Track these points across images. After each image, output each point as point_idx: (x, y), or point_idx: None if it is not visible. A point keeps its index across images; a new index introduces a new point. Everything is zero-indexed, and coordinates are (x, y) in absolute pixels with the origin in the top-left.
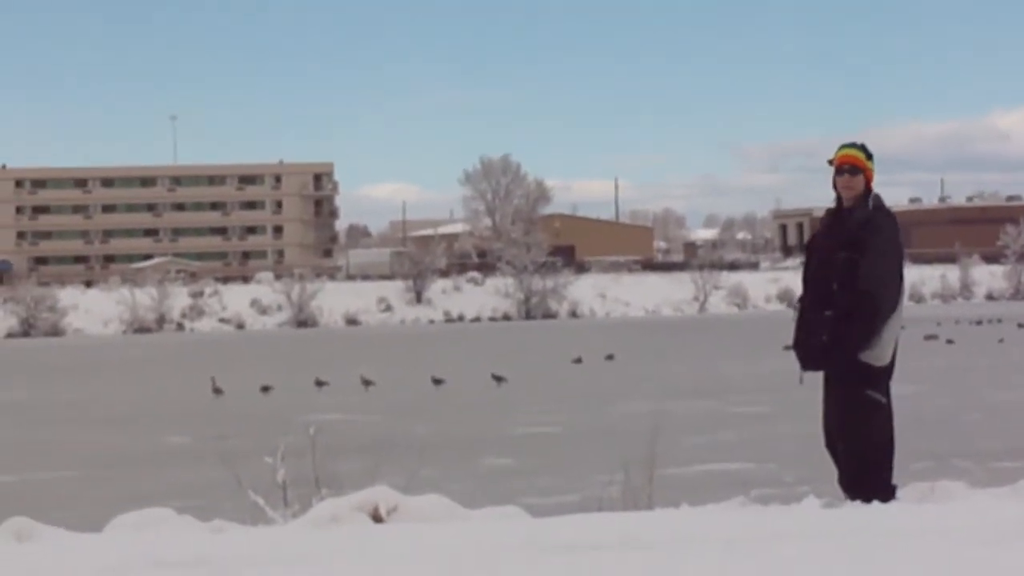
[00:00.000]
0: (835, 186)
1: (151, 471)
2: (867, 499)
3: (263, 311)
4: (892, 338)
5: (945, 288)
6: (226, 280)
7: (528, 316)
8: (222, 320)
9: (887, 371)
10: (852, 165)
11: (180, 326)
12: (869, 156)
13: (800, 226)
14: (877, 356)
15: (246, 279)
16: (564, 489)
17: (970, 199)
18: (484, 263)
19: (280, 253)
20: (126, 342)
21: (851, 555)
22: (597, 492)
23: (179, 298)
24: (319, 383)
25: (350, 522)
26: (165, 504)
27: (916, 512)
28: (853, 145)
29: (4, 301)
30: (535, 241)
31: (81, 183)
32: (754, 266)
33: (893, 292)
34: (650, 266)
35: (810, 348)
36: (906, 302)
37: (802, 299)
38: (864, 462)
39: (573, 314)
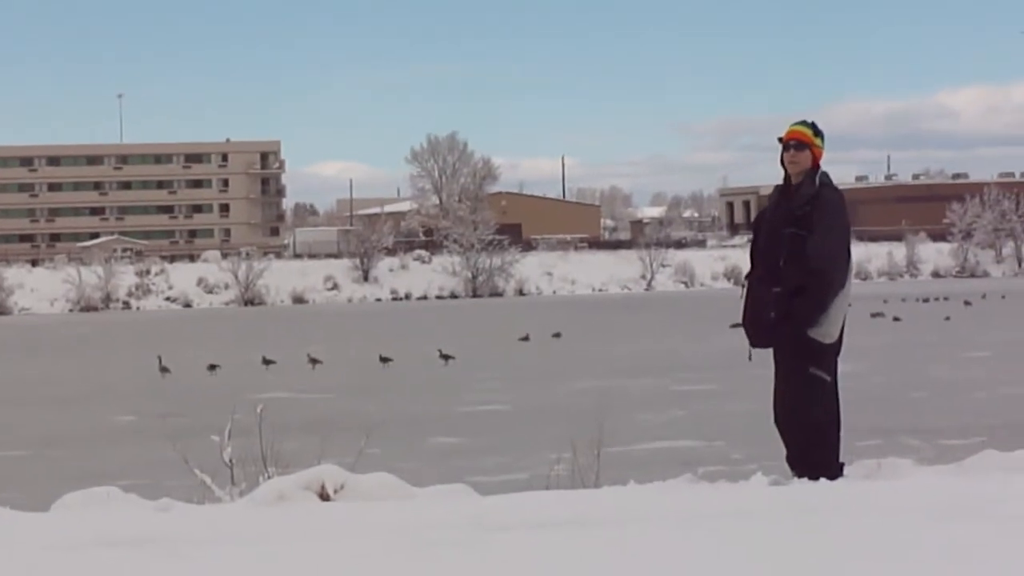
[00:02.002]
0: (782, 162)
1: (97, 450)
2: (814, 476)
3: (210, 290)
4: (840, 315)
5: (891, 266)
6: (172, 259)
7: (475, 294)
8: (168, 299)
9: (834, 348)
10: (798, 141)
11: (127, 305)
12: (817, 133)
13: (747, 204)
14: (825, 333)
15: (192, 258)
16: (512, 467)
17: (916, 177)
18: (431, 241)
19: (227, 232)
20: (72, 321)
21: (798, 532)
22: (545, 470)
23: (125, 277)
24: (266, 361)
25: (297, 500)
26: (112, 483)
27: (863, 489)
28: (803, 122)
29: None
30: (482, 219)
31: (27, 161)
32: (701, 244)
33: (841, 268)
34: (597, 244)
35: (759, 324)
36: (853, 279)
37: (749, 275)
38: (809, 440)
39: (520, 292)
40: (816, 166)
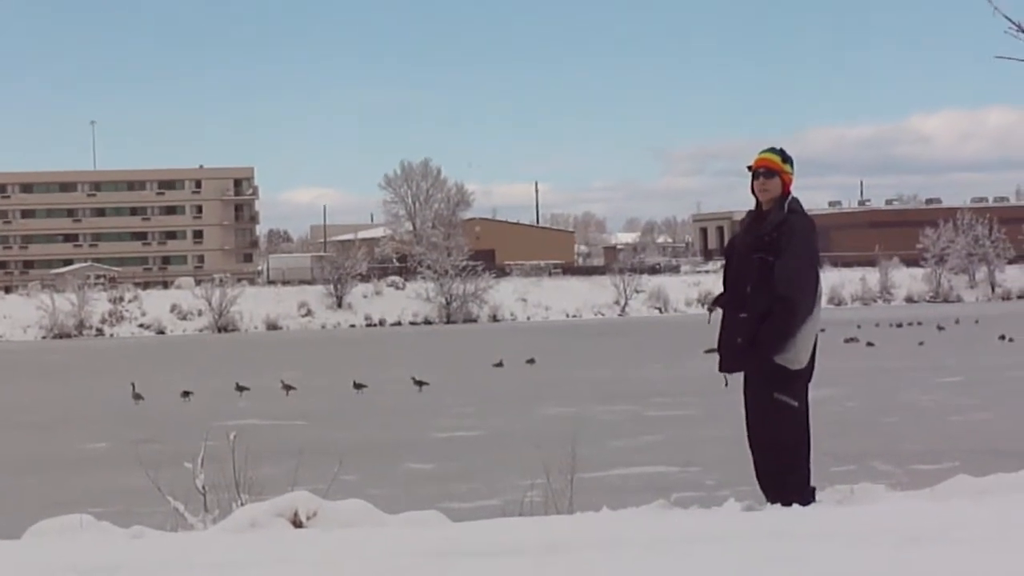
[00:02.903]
0: (753, 190)
1: (70, 477)
2: (787, 502)
3: (183, 316)
4: (809, 341)
5: (865, 291)
6: (146, 285)
7: (449, 320)
8: (142, 325)
9: (804, 374)
10: (768, 168)
11: (100, 331)
12: (786, 160)
13: (720, 229)
14: (793, 359)
15: (166, 284)
16: (485, 493)
17: (889, 202)
18: (405, 267)
19: (200, 258)
20: (46, 348)
21: (769, 557)
22: (518, 496)
23: (99, 304)
24: (240, 388)
25: (269, 527)
26: (84, 510)
27: (835, 514)
28: (771, 150)
29: None
30: (455, 245)
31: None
32: (675, 269)
33: (808, 295)
34: (571, 270)
35: (728, 349)
36: (826, 305)
37: (717, 300)
38: (778, 465)
39: (494, 318)
40: (786, 192)
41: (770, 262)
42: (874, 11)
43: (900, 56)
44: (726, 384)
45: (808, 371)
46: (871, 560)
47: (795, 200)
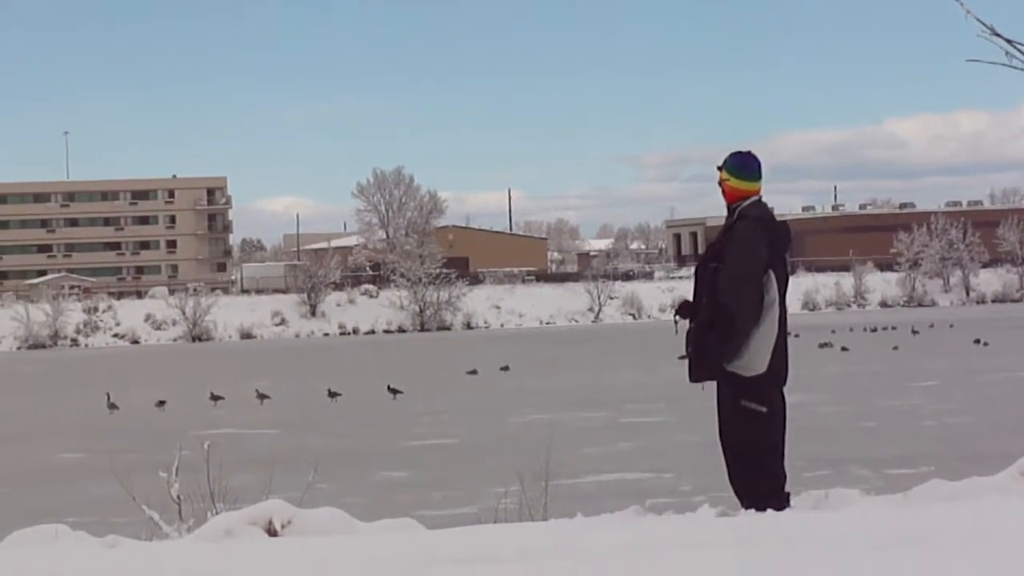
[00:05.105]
0: None
1: (46, 487)
2: (761, 507)
3: (158, 326)
4: (764, 346)
5: (839, 296)
6: (120, 295)
7: (423, 328)
8: (116, 336)
9: (768, 379)
10: (719, 181)
11: (75, 342)
12: (724, 167)
13: (694, 235)
14: (745, 366)
15: (140, 294)
16: (460, 501)
17: (863, 207)
18: (378, 276)
19: (174, 268)
20: (20, 359)
21: (743, 563)
22: (493, 503)
23: (73, 314)
24: (214, 397)
25: (244, 536)
26: (60, 520)
27: (809, 519)
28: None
29: None
30: (429, 253)
31: None
32: (648, 276)
33: (749, 300)
34: (544, 277)
35: (691, 359)
36: (800, 310)
37: (679, 310)
38: (750, 470)
39: (468, 326)
40: (740, 197)
41: (719, 270)
42: (846, 16)
43: (873, 60)
44: (703, 388)
45: (774, 375)
46: (845, 565)
47: (750, 205)
